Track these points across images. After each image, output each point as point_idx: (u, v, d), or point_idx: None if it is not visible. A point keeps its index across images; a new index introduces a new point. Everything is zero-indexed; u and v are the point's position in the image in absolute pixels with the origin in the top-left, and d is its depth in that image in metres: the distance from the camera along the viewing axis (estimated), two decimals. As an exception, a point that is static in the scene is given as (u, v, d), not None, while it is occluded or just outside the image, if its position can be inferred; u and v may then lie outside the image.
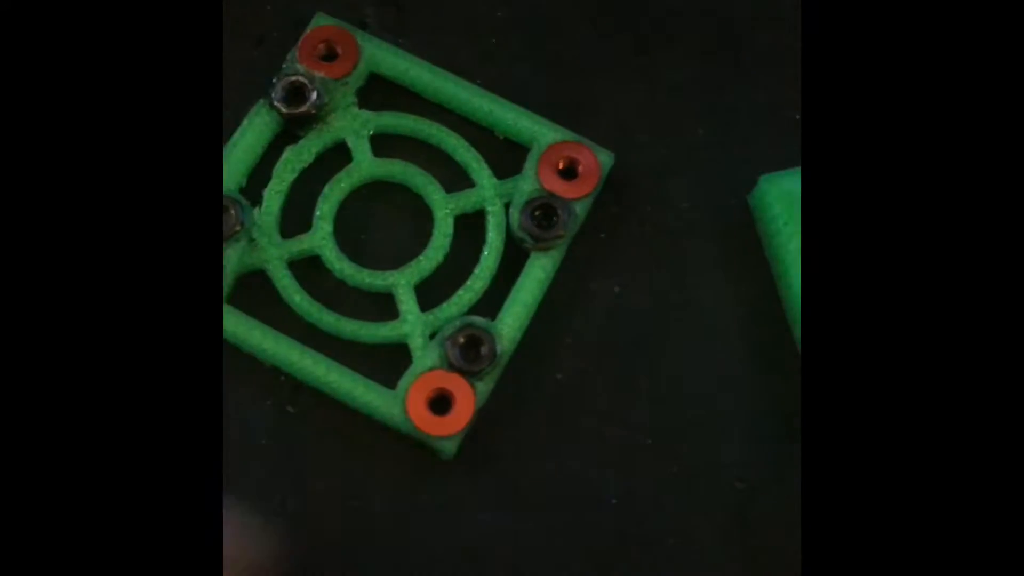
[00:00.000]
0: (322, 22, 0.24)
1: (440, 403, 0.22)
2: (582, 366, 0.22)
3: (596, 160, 0.23)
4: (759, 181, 0.23)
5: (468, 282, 0.23)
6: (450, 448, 0.22)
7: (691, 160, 0.24)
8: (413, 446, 0.22)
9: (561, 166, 0.23)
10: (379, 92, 0.24)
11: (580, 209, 0.23)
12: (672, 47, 0.24)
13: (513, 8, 0.24)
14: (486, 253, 0.23)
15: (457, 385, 0.22)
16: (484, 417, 0.22)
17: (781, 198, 0.22)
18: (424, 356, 0.22)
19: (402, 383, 0.22)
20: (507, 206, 0.23)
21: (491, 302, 0.22)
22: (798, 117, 0.24)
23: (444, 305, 0.23)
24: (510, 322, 0.22)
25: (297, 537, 0.21)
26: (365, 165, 0.23)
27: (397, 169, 0.24)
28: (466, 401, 0.21)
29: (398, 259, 0.23)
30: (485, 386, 0.22)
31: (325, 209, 0.23)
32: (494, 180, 0.23)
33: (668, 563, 0.21)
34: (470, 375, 0.22)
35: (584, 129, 0.23)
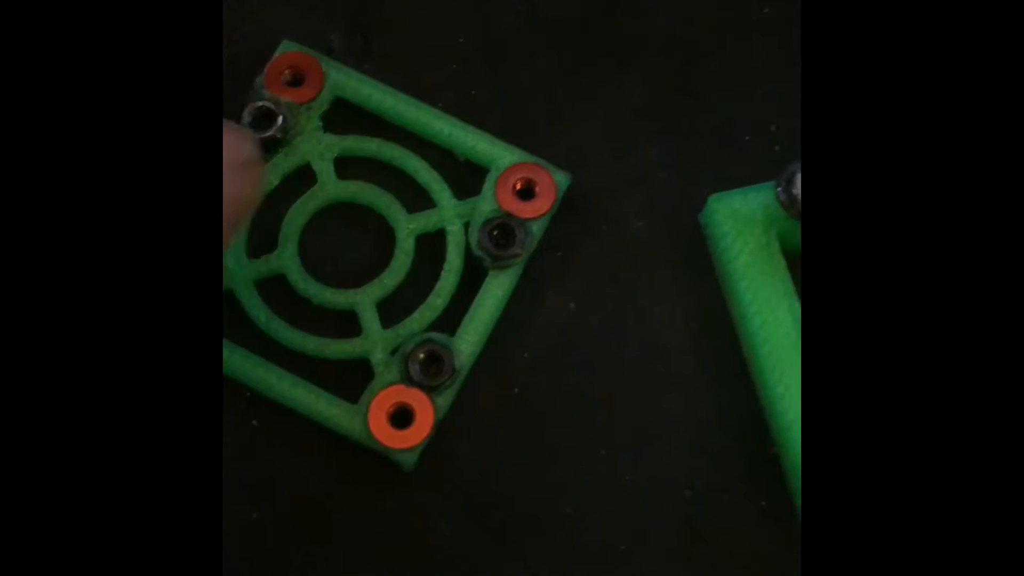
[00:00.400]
0: (288, 49, 0.25)
1: (401, 417, 0.22)
2: (539, 379, 0.23)
3: (552, 180, 0.24)
4: (708, 200, 0.23)
5: (428, 299, 0.23)
6: (410, 460, 0.22)
7: (645, 180, 0.24)
8: (375, 458, 0.22)
9: (518, 187, 0.24)
10: (343, 116, 0.25)
11: (536, 228, 0.23)
12: (626, 73, 0.25)
13: (473, 35, 0.25)
14: (446, 271, 0.23)
15: (417, 400, 0.22)
16: (443, 429, 0.22)
17: (730, 216, 0.23)
18: (385, 372, 0.23)
19: (364, 398, 0.22)
20: (467, 226, 0.24)
21: (451, 318, 0.23)
22: (747, 138, 0.24)
23: (405, 322, 0.23)
24: (469, 338, 0.23)
25: (261, 545, 0.22)
26: (329, 187, 0.24)
27: (360, 190, 0.24)
28: (426, 415, 0.22)
29: (361, 277, 0.24)
30: (444, 400, 0.22)
31: (290, 230, 0.24)
32: (454, 201, 0.24)
33: (621, 569, 0.21)
34: (430, 390, 0.22)
35: (541, 150, 0.24)
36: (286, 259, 0.24)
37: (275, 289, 0.24)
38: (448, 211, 0.24)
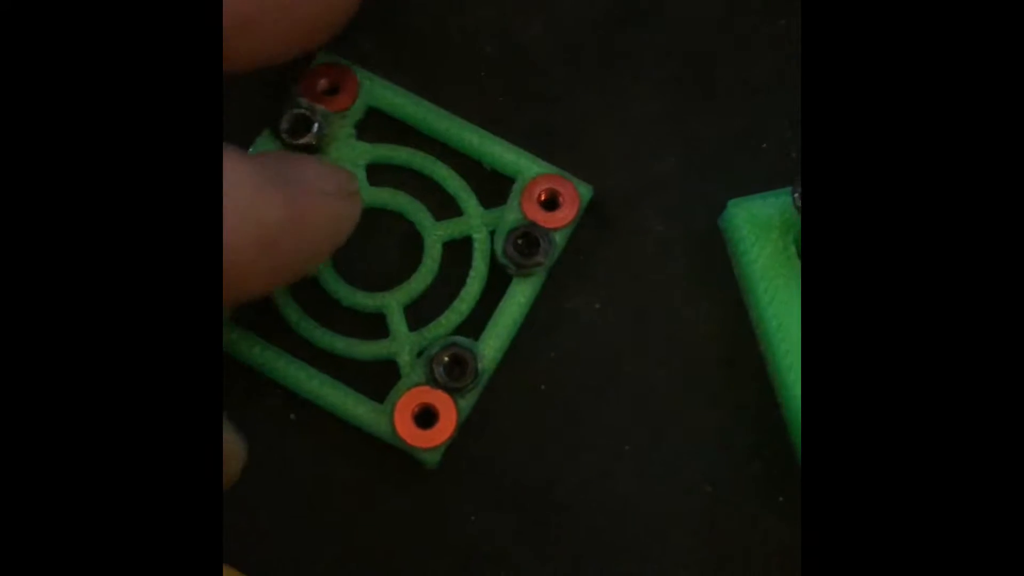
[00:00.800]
0: (324, 59, 0.25)
1: (425, 417, 0.23)
2: (564, 379, 0.24)
3: (576, 192, 0.24)
4: (727, 205, 0.24)
5: (454, 304, 0.24)
6: (433, 459, 0.23)
7: (664, 186, 0.25)
8: (401, 454, 0.23)
9: (543, 197, 0.24)
10: (375, 124, 0.25)
11: (560, 238, 0.24)
12: (645, 82, 0.26)
13: (499, 49, 0.26)
14: (471, 277, 0.24)
15: (441, 401, 0.23)
16: (469, 424, 0.23)
17: (748, 221, 0.23)
18: (411, 373, 0.23)
19: (390, 397, 0.23)
20: (492, 234, 0.24)
21: (475, 323, 0.24)
22: (764, 146, 0.25)
23: (431, 325, 0.24)
24: (492, 342, 0.24)
25: (294, 536, 0.22)
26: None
27: (390, 197, 0.25)
28: (449, 416, 0.23)
29: (389, 281, 0.24)
30: (467, 402, 0.23)
31: None
32: (481, 209, 0.25)
33: (643, 563, 0.22)
34: (453, 391, 0.23)
35: (563, 158, 0.25)
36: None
37: (307, 291, 0.24)
38: (475, 219, 0.25)
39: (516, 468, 0.23)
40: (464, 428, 0.23)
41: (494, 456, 0.23)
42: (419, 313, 0.24)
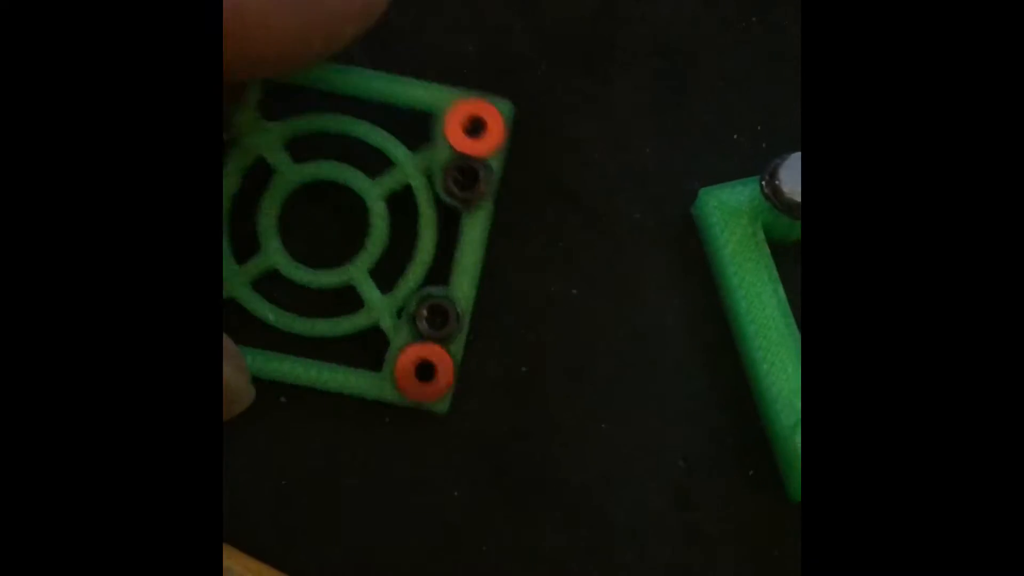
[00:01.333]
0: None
1: (424, 371, 0.24)
2: (542, 360, 0.25)
3: (497, 111, 0.23)
4: (699, 193, 0.24)
5: (416, 256, 0.24)
6: (443, 407, 0.24)
7: (641, 176, 0.25)
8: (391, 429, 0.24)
9: (467, 126, 0.23)
10: (280, 101, 0.24)
11: (496, 164, 0.23)
12: (622, 76, 0.25)
13: (480, 46, 0.25)
14: (422, 225, 0.24)
15: (434, 352, 0.24)
16: (451, 407, 0.24)
17: (718, 208, 0.23)
18: (397, 335, 0.24)
19: (386, 364, 0.24)
20: (430, 178, 0.24)
21: (441, 269, 0.24)
22: (736, 137, 0.26)
23: (401, 283, 0.24)
24: (463, 284, 0.24)
25: (289, 511, 0.23)
26: (289, 173, 0.24)
27: (319, 168, 0.24)
28: (445, 364, 0.24)
29: (348, 252, 0.24)
30: (457, 348, 0.24)
31: (267, 225, 0.24)
32: (410, 154, 0.24)
33: (618, 536, 0.24)
34: (442, 340, 0.24)
35: (542, 150, 0.25)
36: (273, 254, 0.24)
37: (275, 288, 0.24)
38: (407, 166, 0.24)
39: (497, 446, 0.25)
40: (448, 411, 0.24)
41: (476, 434, 0.25)
42: (386, 275, 0.24)
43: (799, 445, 0.22)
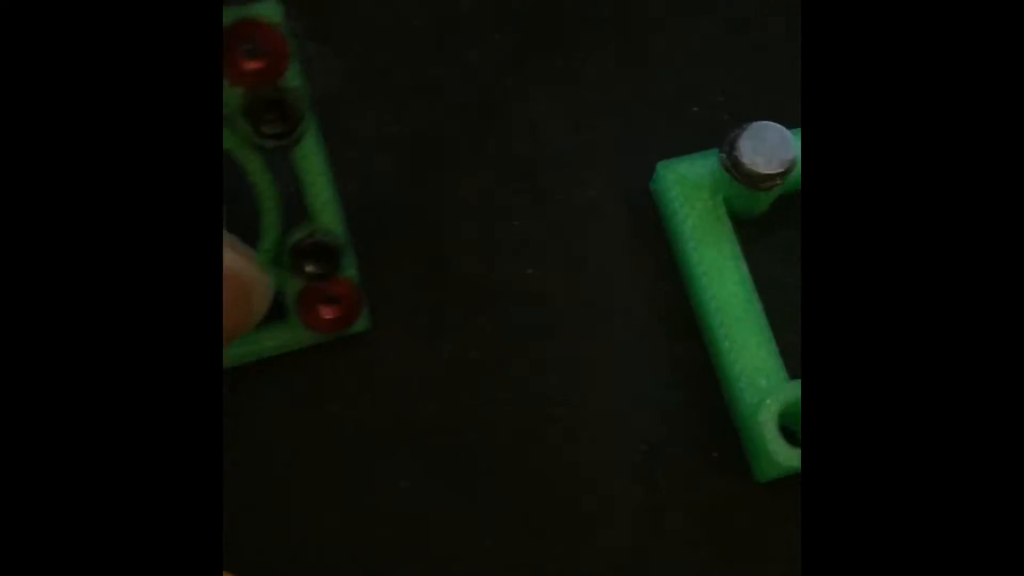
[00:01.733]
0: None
1: (331, 302, 0.23)
2: (494, 346, 0.24)
3: (267, 23, 0.21)
4: (657, 167, 0.24)
5: (262, 205, 0.23)
6: (364, 324, 0.24)
7: (598, 152, 0.25)
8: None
9: (241, 55, 0.21)
10: None
11: (293, 78, 0.21)
12: (580, 51, 0.26)
13: (428, 17, 0.26)
14: (252, 174, 0.22)
15: (331, 284, 0.23)
16: (399, 395, 0.24)
17: (677, 182, 0.24)
18: (288, 284, 0.23)
19: (290, 312, 0.23)
20: (237, 124, 0.22)
21: (296, 211, 0.23)
22: (695, 109, 0.25)
23: (263, 238, 0.23)
24: (324, 214, 0.23)
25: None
26: None
27: None
28: (346, 288, 0.23)
29: None
30: (351, 271, 0.23)
31: None
32: None
33: (579, 520, 0.24)
34: (332, 272, 0.23)
35: (498, 126, 0.25)
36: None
37: None
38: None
39: (448, 434, 0.24)
40: (395, 396, 0.24)
41: (426, 424, 0.24)
42: (246, 236, 0.23)
43: (763, 424, 0.22)
